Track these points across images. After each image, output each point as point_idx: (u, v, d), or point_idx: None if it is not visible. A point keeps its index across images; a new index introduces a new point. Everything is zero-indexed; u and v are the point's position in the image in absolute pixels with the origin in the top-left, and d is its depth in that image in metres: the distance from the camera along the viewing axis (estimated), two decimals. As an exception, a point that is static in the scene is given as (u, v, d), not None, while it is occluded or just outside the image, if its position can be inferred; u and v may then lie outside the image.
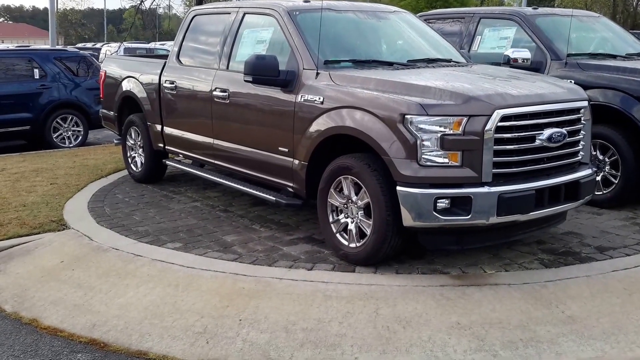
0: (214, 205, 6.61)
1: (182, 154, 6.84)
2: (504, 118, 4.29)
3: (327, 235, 5.00)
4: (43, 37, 66.11)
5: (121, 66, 7.78)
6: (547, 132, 4.47)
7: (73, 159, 9.49)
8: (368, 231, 4.63)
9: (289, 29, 5.29)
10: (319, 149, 4.94)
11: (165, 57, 7.29)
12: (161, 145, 7.03)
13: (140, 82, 7.21)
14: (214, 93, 5.95)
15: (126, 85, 7.52)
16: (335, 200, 4.88)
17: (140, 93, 7.21)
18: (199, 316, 4.18)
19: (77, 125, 11.93)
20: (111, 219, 6.16)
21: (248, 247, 5.28)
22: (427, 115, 4.24)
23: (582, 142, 4.89)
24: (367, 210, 4.64)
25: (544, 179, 4.54)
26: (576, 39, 7.43)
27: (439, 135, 4.24)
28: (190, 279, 4.69)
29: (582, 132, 4.87)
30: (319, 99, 4.89)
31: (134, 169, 7.67)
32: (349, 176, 4.70)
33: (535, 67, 6.86)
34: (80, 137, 11.98)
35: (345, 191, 4.78)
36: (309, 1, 5.71)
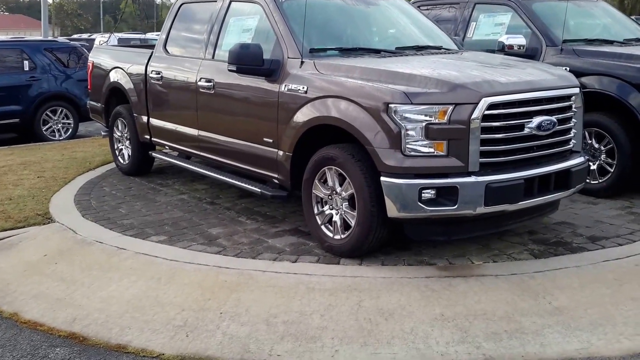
0: (201, 197, 6.52)
1: (168, 145, 6.74)
2: (491, 106, 4.19)
3: (312, 227, 4.92)
4: (40, 28, 65.76)
5: (108, 57, 7.67)
6: (536, 121, 4.37)
7: (62, 151, 9.40)
8: (352, 223, 4.55)
9: (275, 17, 5.18)
10: (304, 140, 4.85)
11: (154, 47, 7.18)
12: (147, 137, 6.93)
13: (127, 73, 7.10)
14: (199, 83, 5.85)
15: (113, 76, 7.41)
16: (319, 191, 4.79)
17: (127, 84, 7.10)
18: (180, 309, 4.10)
19: (67, 118, 11.82)
20: (97, 212, 6.07)
21: (233, 239, 5.19)
22: (412, 104, 4.14)
23: (573, 130, 4.78)
24: (351, 201, 4.55)
25: (533, 167, 4.44)
26: (573, 24, 7.32)
27: (424, 124, 4.14)
28: (173, 272, 4.61)
29: (573, 119, 4.77)
30: (303, 88, 4.79)
31: (122, 161, 7.57)
32: (333, 167, 4.61)
33: (530, 53, 6.75)
34: (71, 130, 11.87)
35: (330, 182, 4.69)
36: None
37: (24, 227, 5.77)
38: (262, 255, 4.81)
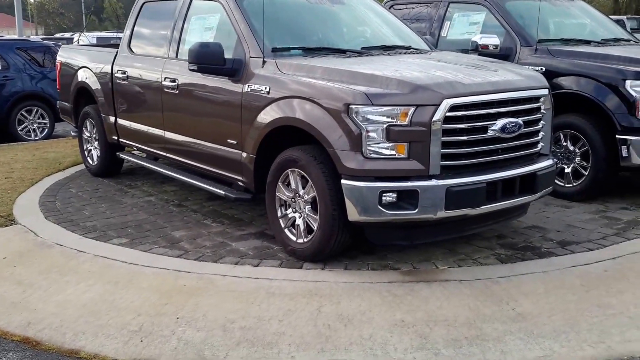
0: (168, 199, 6.40)
1: (135, 146, 6.61)
2: (453, 108, 4.10)
3: (275, 230, 4.81)
4: (23, 27, 65.11)
5: (76, 56, 7.53)
6: (500, 123, 4.28)
7: (33, 152, 9.25)
8: (315, 226, 4.44)
9: (235, 15, 5.07)
10: (267, 141, 4.74)
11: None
12: (115, 137, 6.80)
13: (94, 72, 6.97)
14: (164, 83, 5.73)
15: (81, 76, 7.28)
16: (283, 194, 4.68)
17: (94, 84, 6.97)
18: (135, 314, 3.99)
19: (43, 118, 11.65)
20: (60, 214, 5.95)
21: (196, 242, 5.08)
22: (372, 105, 4.05)
23: (541, 133, 4.70)
24: (314, 204, 4.45)
25: (497, 171, 4.35)
26: (549, 23, 7.26)
27: (384, 126, 4.05)
28: (131, 276, 4.49)
29: (541, 122, 4.68)
30: (266, 88, 4.69)
31: (90, 162, 7.44)
32: (296, 169, 4.51)
33: (504, 53, 6.67)
34: (47, 130, 11.71)
35: (293, 185, 4.59)
36: None
37: (-15, 229, 5.63)
38: (224, 259, 4.70)
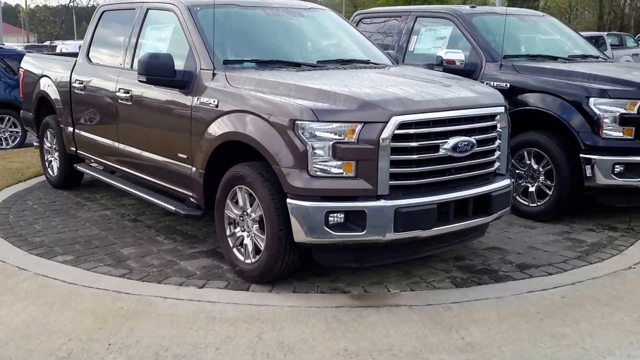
0: (124, 214, 6.21)
1: (92, 158, 6.42)
2: (402, 125, 3.95)
3: (224, 249, 4.64)
4: (15, 34, 64.86)
5: (38, 65, 7.34)
6: (452, 141, 4.14)
7: (-1, 161, 9.03)
8: (262, 246, 4.27)
9: (189, 26, 4.91)
10: (217, 156, 4.57)
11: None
12: (73, 149, 6.61)
13: (54, 82, 6.80)
14: (118, 94, 5.56)
15: (42, 85, 7.10)
16: (231, 212, 4.51)
17: (53, 93, 6.80)
18: (67, 339, 3.79)
19: (15, 126, 11.42)
20: (10, 228, 5.75)
21: (143, 261, 4.89)
22: (318, 121, 3.89)
23: (497, 152, 4.55)
24: (261, 223, 4.28)
25: (449, 191, 4.20)
26: (517, 39, 7.16)
27: (331, 143, 3.89)
28: (69, 297, 4.30)
29: (497, 140, 4.54)
30: (214, 102, 4.53)
31: (51, 173, 7.25)
32: (244, 186, 4.34)
33: (470, 69, 6.56)
34: (18, 139, 11.47)
35: (241, 202, 4.42)
36: None
37: None
38: (169, 279, 4.52)
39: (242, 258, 4.48)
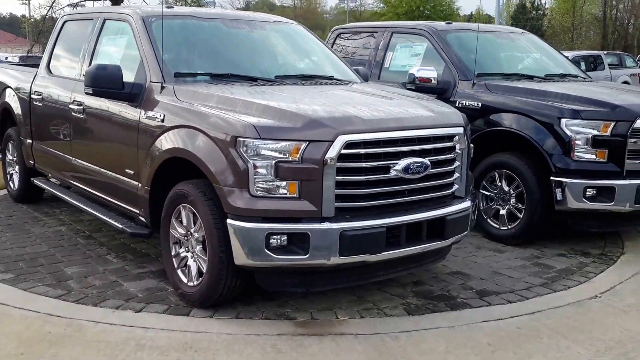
0: (79, 230, 6.00)
1: (49, 172, 6.22)
2: (350, 145, 3.75)
3: (168, 270, 4.43)
4: (20, 44, 64.86)
5: (2, 76, 7.15)
6: (403, 162, 3.93)
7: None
8: (205, 268, 4.06)
9: (141, 37, 4.73)
10: (164, 173, 4.37)
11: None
12: (32, 162, 6.41)
13: (16, 93, 6.62)
14: (71, 106, 5.37)
15: (6, 96, 6.91)
16: (176, 231, 4.31)
17: (14, 105, 6.62)
18: (-15, 365, 3.57)
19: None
20: (-40, 244, 5.53)
21: (85, 281, 4.67)
22: (261, 138, 3.70)
23: (456, 174, 4.35)
24: (205, 244, 4.06)
25: (401, 214, 3.99)
26: (493, 57, 6.96)
27: (274, 162, 3.69)
28: (-2, 319, 4.08)
29: (456, 162, 4.33)
30: (160, 116, 4.34)
31: (12, 187, 7.05)
32: (187, 205, 4.13)
33: (443, 87, 6.37)
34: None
35: (185, 221, 4.21)
36: (173, 7, 5.16)
37: None
38: (107, 302, 4.29)
39: (185, 280, 4.27)
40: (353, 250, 3.78)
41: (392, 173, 3.92)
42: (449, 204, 4.31)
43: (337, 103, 4.18)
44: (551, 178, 5.52)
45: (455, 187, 4.37)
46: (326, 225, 3.72)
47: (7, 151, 7.10)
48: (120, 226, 4.82)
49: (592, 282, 5.01)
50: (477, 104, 6.07)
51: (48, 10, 15.99)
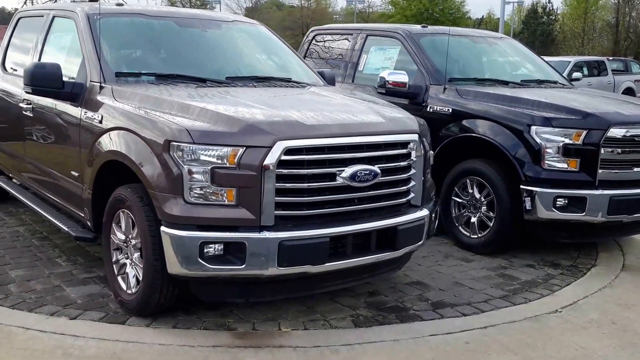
0: (37, 231, 5.85)
1: (9, 172, 6.08)
2: (290, 151, 3.59)
3: (109, 277, 4.28)
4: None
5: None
6: (350, 170, 3.76)
7: None
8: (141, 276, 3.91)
9: (84, 34, 4.58)
10: (105, 175, 4.21)
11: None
12: (-7, 161, 6.27)
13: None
14: (21, 105, 5.22)
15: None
16: (116, 237, 4.15)
17: (-24, 103, 6.45)
18: None
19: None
20: None
21: (27, 285, 4.53)
22: (195, 143, 3.53)
23: (412, 182, 4.18)
24: (142, 251, 3.90)
25: (348, 223, 3.82)
26: (468, 62, 6.80)
27: (209, 168, 3.53)
28: None
29: (412, 169, 4.16)
30: (99, 117, 4.20)
31: (-24, 185, 6.87)
32: (126, 210, 3.97)
33: (414, 91, 6.21)
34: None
35: (123, 227, 4.06)
36: (123, 4, 5.00)
37: None
38: (43, 307, 4.14)
39: (124, 287, 4.11)
40: (293, 260, 3.62)
41: (339, 181, 3.75)
42: (403, 213, 4.13)
43: (283, 107, 4.02)
44: (521, 187, 5.34)
45: (411, 195, 4.19)
46: (264, 234, 3.56)
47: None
48: (66, 229, 4.67)
49: (555, 295, 4.83)
50: (448, 109, 5.91)
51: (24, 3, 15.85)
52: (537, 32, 60.65)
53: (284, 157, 3.57)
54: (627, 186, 5.35)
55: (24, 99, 5.18)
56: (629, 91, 23.57)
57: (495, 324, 4.21)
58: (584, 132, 5.23)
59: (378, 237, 3.96)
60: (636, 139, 5.30)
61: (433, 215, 4.43)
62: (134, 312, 4.01)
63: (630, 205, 5.27)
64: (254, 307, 4.27)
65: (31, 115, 5.08)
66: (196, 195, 3.56)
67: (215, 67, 4.89)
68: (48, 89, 4.35)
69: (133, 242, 3.96)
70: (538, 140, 5.27)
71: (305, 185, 3.66)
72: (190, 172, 3.54)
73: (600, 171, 5.24)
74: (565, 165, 5.26)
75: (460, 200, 5.85)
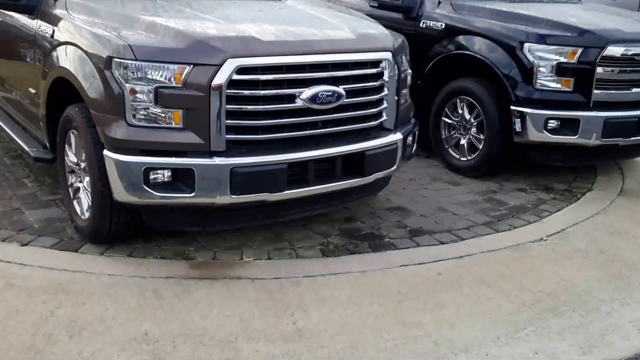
0: (10, 149, 5.63)
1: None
2: (243, 70, 3.28)
3: (65, 200, 4.09)
4: None
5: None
6: (310, 91, 3.45)
7: None
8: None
9: None
10: (58, 93, 3.94)
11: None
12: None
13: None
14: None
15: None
16: (69, 158, 3.92)
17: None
18: None
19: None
20: None
21: (-13, 206, 4.35)
22: (136, 60, 3.23)
23: (384, 104, 3.86)
24: (93, 175, 3.67)
25: (309, 149, 3.55)
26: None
27: (153, 87, 3.24)
28: None
29: (384, 90, 3.83)
30: (50, 30, 3.89)
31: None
32: (75, 131, 3.73)
33: (408, 5, 5.78)
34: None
35: (74, 149, 3.82)
36: None
37: None
38: (-3, 232, 3.97)
39: (79, 212, 3.91)
40: (247, 188, 3.37)
41: (298, 103, 3.45)
42: (374, 137, 3.84)
43: (244, 21, 3.67)
44: (511, 107, 5.00)
45: (383, 118, 3.88)
46: (214, 160, 3.30)
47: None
48: (27, 149, 4.44)
49: (542, 222, 4.59)
50: (441, 25, 5.51)
51: None
52: None
53: (235, 77, 3.26)
54: (623, 108, 4.99)
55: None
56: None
57: (472, 253, 3.98)
58: (580, 50, 4.83)
59: (344, 162, 3.70)
60: (636, 57, 4.89)
61: (410, 138, 4.13)
62: (88, 238, 3.83)
63: (626, 127, 4.92)
64: (218, 234, 4.06)
65: (-4, 29, 4.78)
66: (140, 117, 3.29)
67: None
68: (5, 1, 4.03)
69: (82, 165, 3.73)
70: (531, 58, 4.89)
71: (260, 107, 3.36)
72: (132, 92, 3.25)
73: (595, 91, 4.89)
74: (558, 85, 4.90)
75: (450, 122, 5.53)
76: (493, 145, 5.19)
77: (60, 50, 3.73)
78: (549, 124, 4.90)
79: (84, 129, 3.55)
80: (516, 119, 4.95)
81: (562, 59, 4.82)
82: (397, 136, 3.94)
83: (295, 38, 3.51)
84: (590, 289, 3.67)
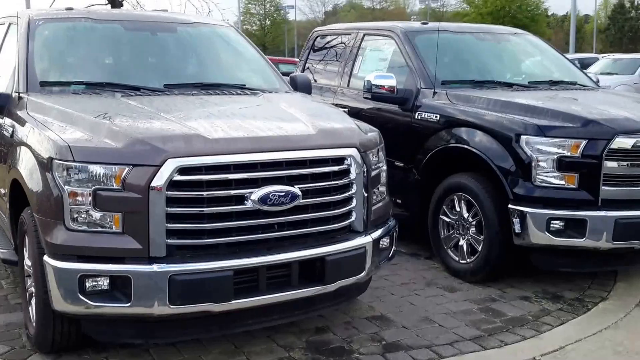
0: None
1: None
2: (185, 170, 3.10)
3: (23, 306, 3.93)
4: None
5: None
6: (260, 192, 3.24)
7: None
8: (36, 310, 3.52)
9: (20, 42, 4.31)
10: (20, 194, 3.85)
11: None
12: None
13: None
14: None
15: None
16: (26, 263, 3.78)
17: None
18: None
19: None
20: None
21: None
22: (75, 161, 3.11)
23: (354, 201, 3.60)
24: (40, 282, 3.50)
25: (260, 254, 3.30)
26: (469, 62, 6.10)
27: (92, 189, 3.09)
28: None
29: (352, 188, 3.59)
30: (11, 130, 3.95)
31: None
32: (25, 234, 3.61)
33: (403, 96, 5.58)
34: None
35: (27, 254, 3.68)
36: (73, 8, 4.74)
37: None
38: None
39: (32, 320, 3.72)
40: (187, 298, 3.13)
41: (248, 204, 3.23)
42: (339, 240, 3.57)
43: (197, 117, 3.54)
44: (509, 206, 4.65)
45: (352, 219, 3.62)
46: (152, 267, 3.08)
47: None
48: (-3, 249, 4.33)
49: (540, 337, 4.10)
50: (436, 116, 5.27)
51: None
52: (624, 28, 57.68)
53: (177, 177, 3.09)
54: (637, 206, 4.55)
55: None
56: None
57: (446, 376, 3.56)
58: (584, 143, 4.49)
59: (302, 269, 3.42)
60: None
61: (385, 240, 3.84)
62: (36, 347, 3.62)
63: (642, 229, 4.47)
64: (174, 344, 3.78)
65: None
66: (79, 221, 3.13)
67: (156, 74, 4.44)
68: None
69: (30, 271, 3.57)
70: (529, 152, 4.57)
71: (205, 209, 3.16)
72: (72, 195, 3.11)
73: (603, 188, 4.48)
74: (561, 182, 4.53)
75: (448, 220, 5.19)
76: (492, 247, 4.82)
77: (17, 150, 3.67)
78: (551, 225, 4.50)
79: (31, 233, 3.41)
80: (515, 219, 4.59)
81: (565, 153, 4.48)
82: (366, 239, 3.66)
83: (246, 134, 3.34)
84: None
